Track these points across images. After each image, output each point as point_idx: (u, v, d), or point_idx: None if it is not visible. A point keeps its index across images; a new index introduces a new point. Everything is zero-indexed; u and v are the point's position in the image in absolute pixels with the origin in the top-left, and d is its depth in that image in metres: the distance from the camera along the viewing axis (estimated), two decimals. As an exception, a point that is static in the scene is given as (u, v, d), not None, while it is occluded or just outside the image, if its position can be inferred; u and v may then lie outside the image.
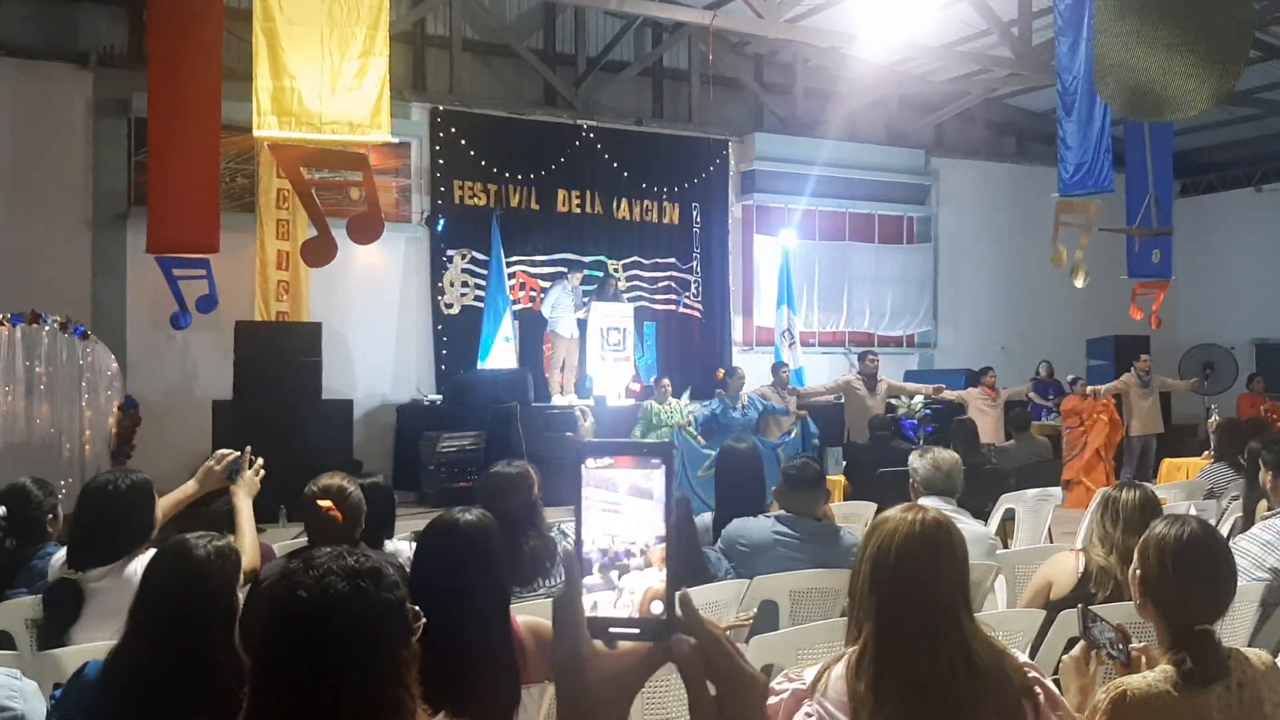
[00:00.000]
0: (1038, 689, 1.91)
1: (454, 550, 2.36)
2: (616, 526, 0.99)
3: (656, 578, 0.97)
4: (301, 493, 3.48)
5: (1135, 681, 2.22)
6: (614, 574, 0.98)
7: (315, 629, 1.50)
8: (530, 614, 3.04)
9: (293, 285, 11.92)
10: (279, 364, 10.33)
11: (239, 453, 3.90)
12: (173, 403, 11.38)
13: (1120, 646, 2.40)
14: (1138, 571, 2.42)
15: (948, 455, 4.48)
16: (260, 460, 3.89)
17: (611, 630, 0.97)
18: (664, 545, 0.97)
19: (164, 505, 3.66)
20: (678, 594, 0.97)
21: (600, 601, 0.98)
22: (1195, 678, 2.20)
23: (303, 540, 3.78)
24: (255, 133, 7.35)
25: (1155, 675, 2.23)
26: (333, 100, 7.11)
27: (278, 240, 11.90)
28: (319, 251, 7.74)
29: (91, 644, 2.88)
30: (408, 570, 2.94)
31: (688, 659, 0.96)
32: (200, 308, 8.62)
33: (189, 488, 3.85)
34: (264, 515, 7.94)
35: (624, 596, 0.97)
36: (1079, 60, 10.30)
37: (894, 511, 2.04)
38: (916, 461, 4.49)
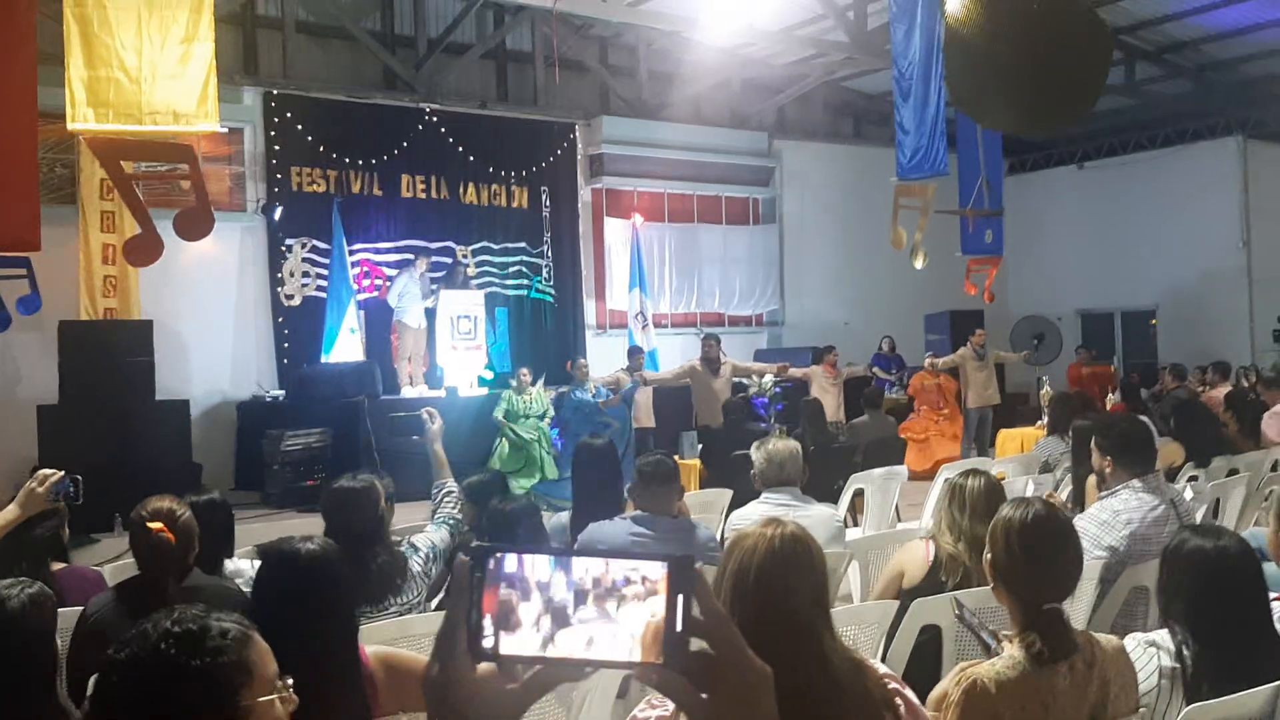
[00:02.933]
0: (898, 700, 1.91)
1: (295, 585, 2.23)
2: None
3: (659, 607, 0.89)
4: (130, 518, 3.25)
5: (984, 670, 2.28)
6: (610, 605, 0.89)
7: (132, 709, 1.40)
8: (381, 635, 2.93)
9: (120, 281, 11.30)
10: (108, 365, 9.83)
11: (62, 473, 3.63)
12: (-8, 408, 10.69)
13: (989, 631, 2.47)
14: (988, 556, 2.48)
15: (783, 446, 4.48)
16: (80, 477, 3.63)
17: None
18: (667, 569, 0.89)
19: (-16, 533, 3.40)
20: (697, 568, 0.89)
21: (597, 637, 0.89)
22: (1044, 657, 2.26)
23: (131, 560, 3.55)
24: (70, 126, 6.84)
25: (1003, 662, 2.29)
26: (154, 89, 6.67)
27: (103, 233, 11.26)
28: (143, 250, 7.30)
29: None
30: (248, 591, 2.80)
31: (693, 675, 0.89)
32: (21, 309, 8.07)
33: (10, 513, 3.56)
34: (98, 524, 7.66)
35: (622, 636, 0.89)
36: (914, 46, 10.58)
37: (753, 528, 2.01)
38: (754, 454, 4.50)
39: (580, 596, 0.90)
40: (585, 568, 0.91)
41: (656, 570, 0.91)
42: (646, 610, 0.89)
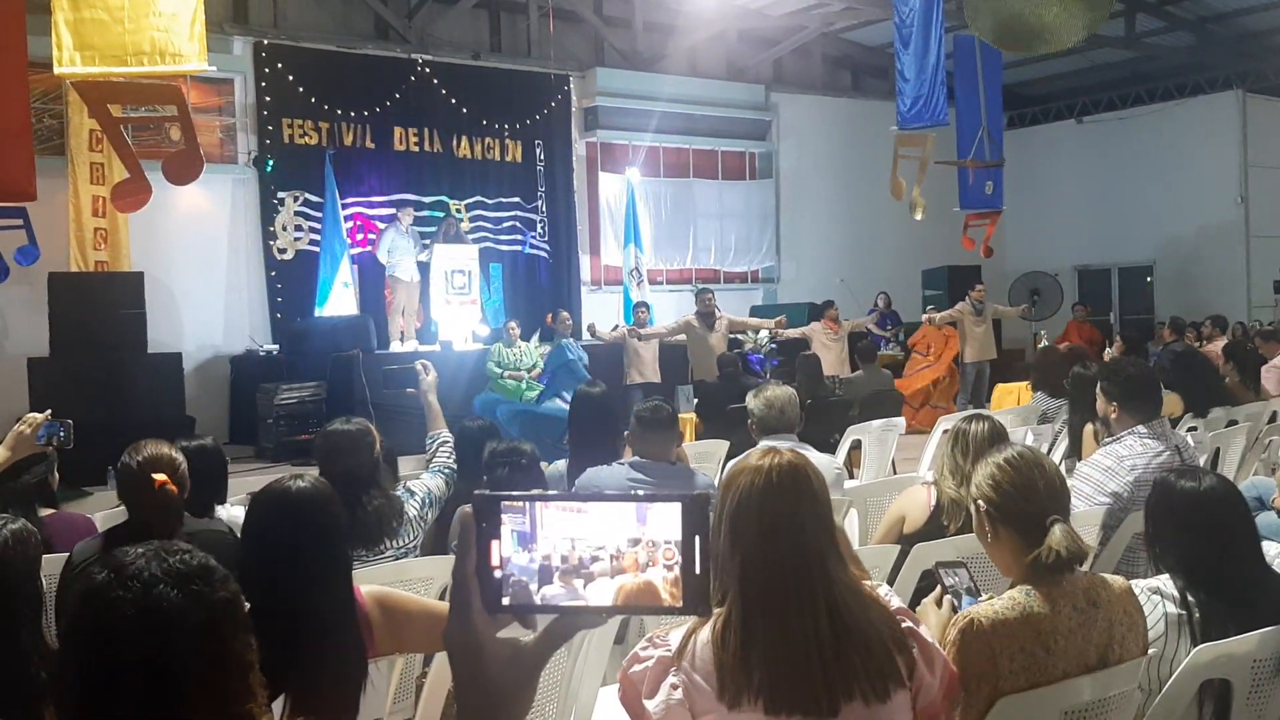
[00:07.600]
0: (912, 640, 1.85)
1: (286, 522, 2.18)
2: (579, 529, 0.88)
3: (628, 582, 0.88)
4: (122, 464, 3.14)
5: (982, 609, 2.21)
6: (578, 583, 0.88)
7: (149, 649, 1.30)
8: (377, 579, 2.88)
9: (111, 233, 11.19)
10: (99, 317, 9.77)
11: (48, 413, 3.57)
12: (-19, 362, 10.61)
13: (972, 584, 2.41)
14: (980, 504, 2.35)
15: (781, 392, 4.47)
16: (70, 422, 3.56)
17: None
18: (682, 509, 0.88)
19: (-28, 477, 3.34)
20: None
21: (611, 584, 0.89)
22: (1057, 566, 2.17)
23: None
24: (58, 70, 6.71)
25: (1002, 603, 2.23)
26: (140, 29, 6.53)
27: (93, 185, 11.13)
28: (130, 194, 7.20)
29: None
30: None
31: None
32: (20, 260, 8.00)
33: (-1, 455, 3.51)
34: (91, 478, 7.58)
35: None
36: (916, -8, 10.42)
37: (748, 461, 1.94)
38: (751, 402, 4.48)
39: (545, 574, 0.88)
40: (552, 544, 0.88)
41: (647, 529, 0.88)
42: (614, 587, 0.87)
